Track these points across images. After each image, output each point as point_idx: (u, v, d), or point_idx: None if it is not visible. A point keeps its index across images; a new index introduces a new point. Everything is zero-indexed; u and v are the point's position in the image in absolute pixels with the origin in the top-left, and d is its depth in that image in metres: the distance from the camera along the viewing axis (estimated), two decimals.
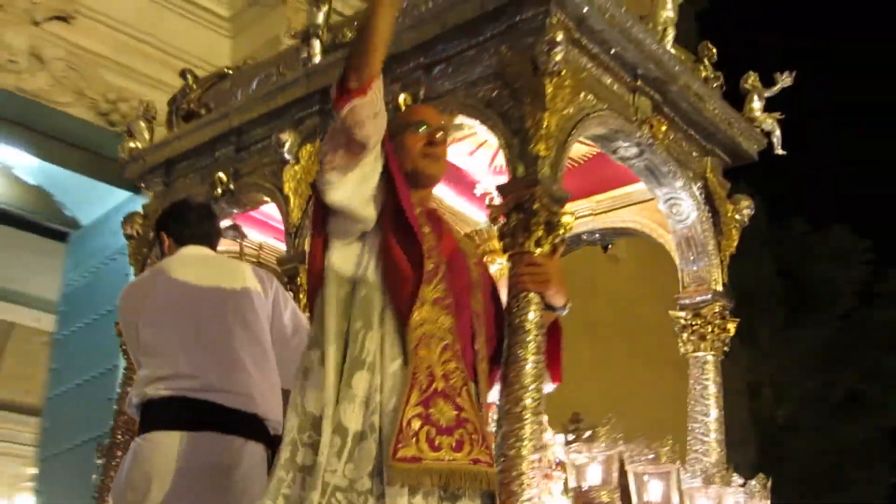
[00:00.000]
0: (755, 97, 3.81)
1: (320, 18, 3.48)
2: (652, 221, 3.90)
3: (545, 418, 2.93)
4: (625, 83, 3.31)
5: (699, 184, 3.59)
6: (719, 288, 3.57)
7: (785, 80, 3.87)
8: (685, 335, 3.63)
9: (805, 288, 20.27)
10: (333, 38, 3.52)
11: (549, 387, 2.85)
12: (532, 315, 2.72)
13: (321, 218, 2.44)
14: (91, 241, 7.35)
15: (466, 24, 3.06)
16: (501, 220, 2.92)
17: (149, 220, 4.23)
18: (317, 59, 3.53)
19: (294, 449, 2.32)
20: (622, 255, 11.23)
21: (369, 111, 2.30)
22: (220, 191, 3.47)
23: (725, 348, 3.62)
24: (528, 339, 2.68)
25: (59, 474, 6.91)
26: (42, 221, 7.71)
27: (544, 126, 2.83)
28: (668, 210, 3.59)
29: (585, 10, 3.00)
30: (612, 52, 3.19)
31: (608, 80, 3.24)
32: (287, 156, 3.53)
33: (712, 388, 3.54)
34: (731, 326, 3.59)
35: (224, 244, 3.75)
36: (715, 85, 3.75)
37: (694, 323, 3.61)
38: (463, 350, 2.44)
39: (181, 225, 3.44)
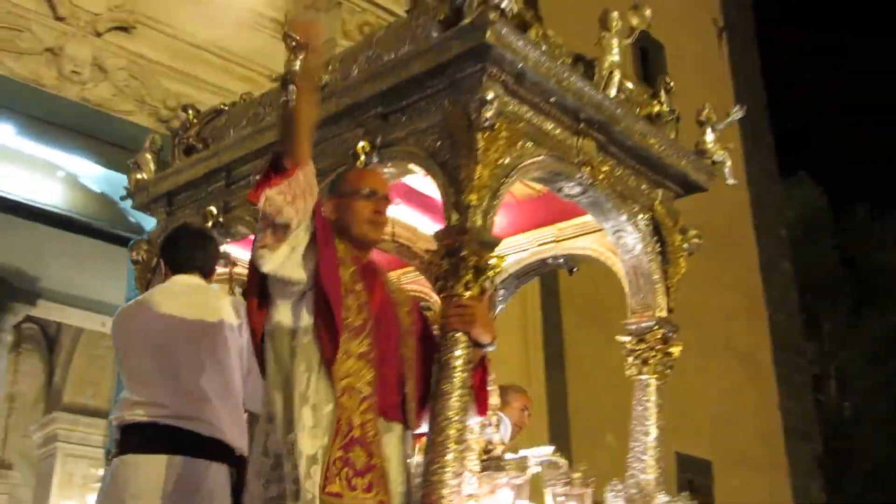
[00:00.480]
0: (708, 129, 3.96)
1: (297, 66, 3.59)
2: (607, 249, 4.09)
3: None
4: (567, 127, 3.50)
5: (647, 215, 3.77)
6: (663, 314, 3.72)
7: (736, 112, 4.05)
8: (630, 359, 3.79)
9: (869, 277, 19.93)
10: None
11: (475, 419, 3.12)
12: (458, 352, 2.91)
13: (258, 283, 2.74)
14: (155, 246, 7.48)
15: (417, 77, 3.29)
16: (436, 264, 3.11)
17: (153, 247, 4.50)
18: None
19: (265, 482, 2.66)
20: None
21: (287, 197, 2.58)
22: (211, 223, 3.67)
23: (668, 371, 3.76)
24: (453, 376, 2.88)
25: None
26: (107, 228, 7.86)
27: (476, 177, 3.05)
28: (615, 241, 3.79)
29: (521, 66, 3.22)
30: (552, 100, 3.40)
31: (549, 126, 3.44)
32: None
33: (653, 410, 3.70)
34: (675, 350, 3.74)
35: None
36: (669, 119, 3.88)
37: (637, 348, 3.78)
38: (389, 395, 2.77)
39: (174, 252, 3.73)
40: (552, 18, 4.64)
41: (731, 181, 4.04)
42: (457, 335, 2.92)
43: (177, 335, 3.47)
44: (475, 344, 2.95)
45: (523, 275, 4.40)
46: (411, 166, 3.36)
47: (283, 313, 2.71)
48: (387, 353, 2.81)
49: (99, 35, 6.46)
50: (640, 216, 3.74)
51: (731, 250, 11.37)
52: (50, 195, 7.73)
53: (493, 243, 3.09)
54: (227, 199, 4.11)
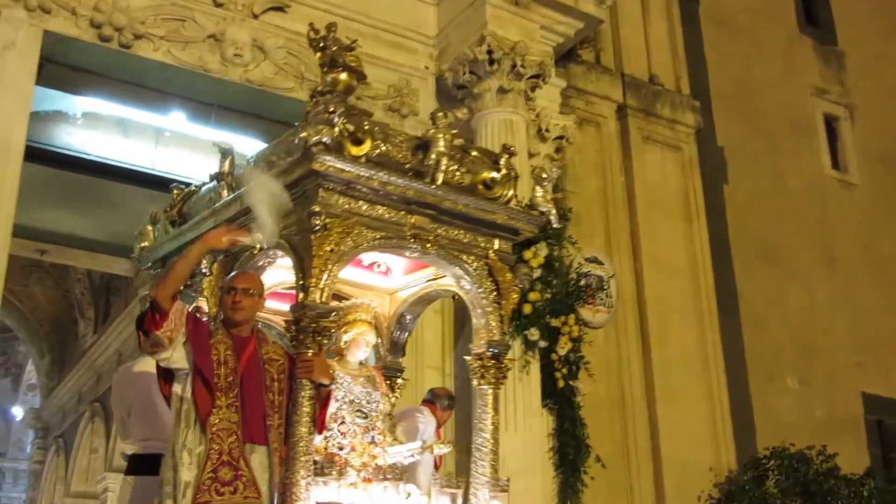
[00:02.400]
0: (536, 187, 4.87)
1: (226, 167, 4.78)
2: None
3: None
4: (399, 210, 4.42)
5: (482, 262, 4.67)
6: (496, 338, 4.65)
7: (554, 173, 5.04)
8: (473, 376, 4.68)
9: None
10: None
11: (318, 438, 4.28)
12: (304, 393, 4.12)
13: (163, 369, 4.06)
14: None
15: (288, 186, 4.23)
16: (290, 331, 4.26)
17: None
18: (224, 196, 4.75)
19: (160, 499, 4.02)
20: (855, 180, 10.64)
21: (167, 330, 3.92)
22: (182, 287, 4.36)
23: (502, 384, 4.70)
24: (301, 409, 4.11)
25: None
26: None
27: (314, 264, 4.13)
28: (457, 284, 4.75)
29: (349, 180, 4.22)
30: (381, 193, 4.34)
31: (382, 211, 4.38)
32: (204, 270, 4.75)
33: (490, 412, 4.60)
34: (509, 363, 4.72)
35: None
36: (506, 180, 4.72)
37: (476, 364, 4.67)
38: (254, 428, 4.02)
39: None
40: None
41: (556, 225, 5.09)
42: (303, 381, 4.12)
43: (148, 385, 4.57)
44: (317, 385, 4.16)
45: (421, 302, 5.28)
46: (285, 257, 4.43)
47: (176, 387, 4.07)
48: (250, 398, 4.06)
49: (256, 17, 6.67)
50: (475, 265, 4.67)
51: None
52: None
53: (327, 313, 4.17)
54: (196, 269, 4.95)
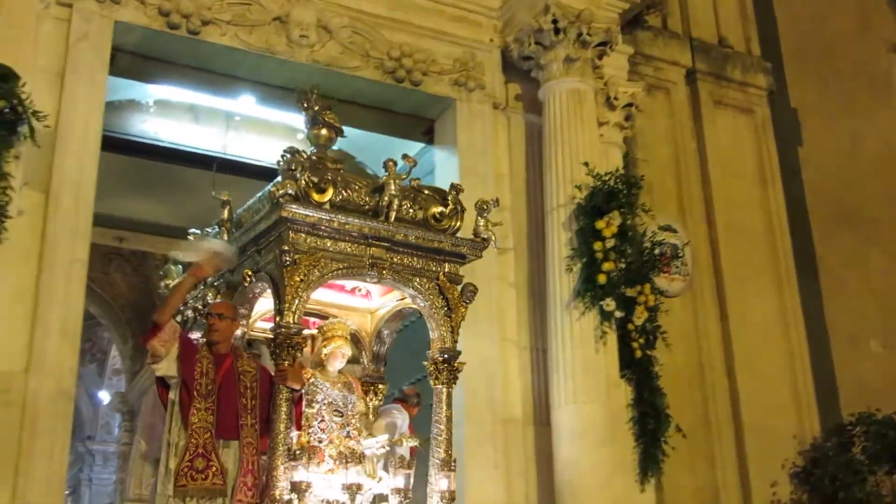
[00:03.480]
0: (478, 217, 5.62)
1: (225, 215, 5.81)
2: None
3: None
4: (359, 244, 5.38)
5: (433, 283, 5.58)
6: (448, 345, 5.50)
7: (494, 202, 5.73)
8: (430, 377, 5.52)
9: None
10: (240, 222, 5.76)
11: (294, 433, 5.21)
12: (281, 396, 5.09)
13: (160, 378, 5.18)
14: None
15: (266, 231, 5.34)
16: (270, 346, 5.19)
17: None
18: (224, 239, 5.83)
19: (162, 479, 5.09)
20: None
21: (160, 341, 5.09)
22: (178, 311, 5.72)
23: (454, 384, 5.52)
24: (280, 409, 5.07)
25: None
26: None
27: (287, 292, 5.10)
28: (413, 301, 5.66)
29: (313, 223, 5.21)
30: (342, 231, 5.31)
31: (344, 245, 5.33)
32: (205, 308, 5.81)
33: (445, 411, 5.43)
34: (459, 365, 5.53)
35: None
36: (453, 214, 5.63)
37: (433, 368, 5.50)
38: (226, 427, 5.09)
39: None
40: None
41: (496, 247, 5.78)
42: (280, 387, 5.10)
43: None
44: (291, 390, 5.17)
45: (395, 319, 6.17)
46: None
47: (171, 393, 5.13)
48: (225, 403, 5.14)
49: None
50: (427, 286, 5.58)
51: None
52: None
53: (298, 331, 5.16)
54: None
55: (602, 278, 6.23)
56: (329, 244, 5.39)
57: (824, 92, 9.59)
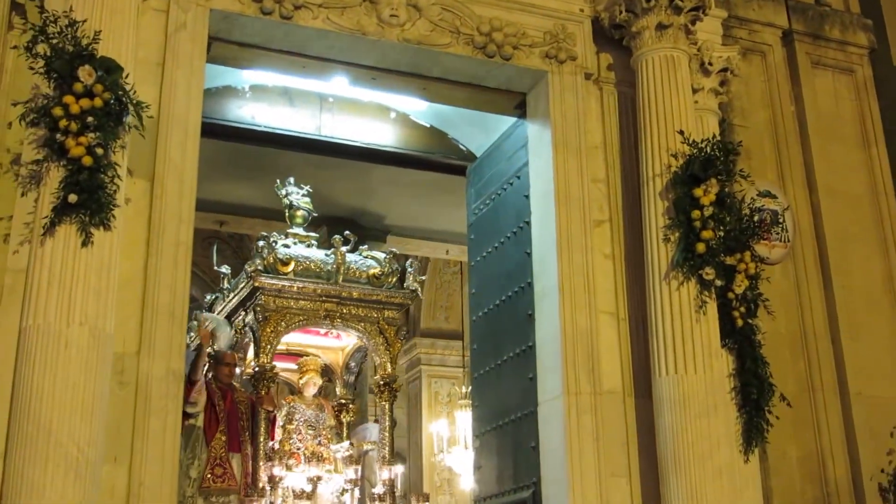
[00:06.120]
0: (408, 275, 8.75)
1: (224, 284, 9.14)
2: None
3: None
4: (315, 301, 8.31)
5: (375, 326, 8.65)
6: (388, 372, 8.69)
7: (413, 267, 8.25)
8: (375, 395, 8.65)
9: None
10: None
11: (270, 442, 8.59)
12: (261, 415, 8.37)
13: (186, 413, 7.43)
14: (487, 170, 7.77)
15: (248, 295, 8.17)
16: (253, 380, 7.94)
17: None
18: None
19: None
20: None
21: (195, 392, 8.00)
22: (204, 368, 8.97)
23: (395, 400, 8.92)
24: (259, 425, 8.05)
25: (490, 389, 7.45)
26: (441, 159, 8.27)
27: (262, 342, 8.37)
28: (360, 340, 8.45)
29: (279, 289, 8.34)
30: (301, 292, 8.11)
31: (304, 303, 8.28)
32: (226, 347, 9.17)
33: (388, 420, 8.48)
34: (398, 387, 9.12)
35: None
36: (389, 275, 8.98)
37: (377, 389, 8.99)
38: (233, 441, 8.34)
39: None
40: None
41: (421, 296, 8.51)
42: (260, 409, 8.18)
43: None
44: (267, 411, 8.52)
45: (357, 352, 9.59)
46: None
47: (192, 420, 7.72)
48: (232, 425, 8.26)
49: None
50: (370, 329, 8.36)
51: None
52: (385, 136, 8.24)
53: (271, 370, 8.51)
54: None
55: (701, 247, 6.15)
56: (292, 304, 8.45)
57: None
